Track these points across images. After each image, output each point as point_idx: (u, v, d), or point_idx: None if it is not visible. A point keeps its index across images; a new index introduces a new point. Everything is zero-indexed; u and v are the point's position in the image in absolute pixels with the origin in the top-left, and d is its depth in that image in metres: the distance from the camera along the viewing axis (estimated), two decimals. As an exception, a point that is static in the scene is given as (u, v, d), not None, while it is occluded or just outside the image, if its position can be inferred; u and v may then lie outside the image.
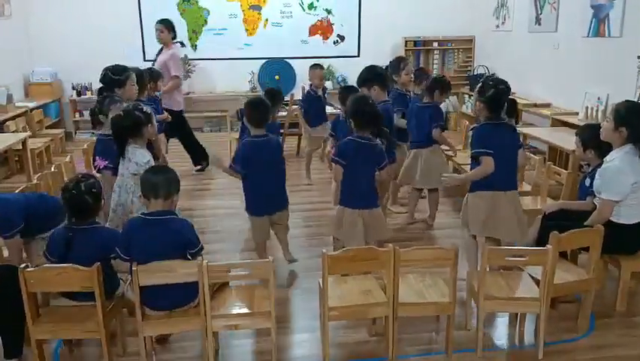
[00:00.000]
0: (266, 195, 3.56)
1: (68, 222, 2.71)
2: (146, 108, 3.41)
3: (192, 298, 2.62)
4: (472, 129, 3.54)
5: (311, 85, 5.99)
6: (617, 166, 3.05)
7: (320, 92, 5.95)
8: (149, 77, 4.86)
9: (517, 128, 4.51)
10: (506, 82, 3.34)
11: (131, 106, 3.37)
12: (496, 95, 3.23)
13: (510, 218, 3.32)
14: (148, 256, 2.51)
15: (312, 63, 6.18)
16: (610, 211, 3.07)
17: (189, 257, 2.61)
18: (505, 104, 3.32)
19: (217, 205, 5.08)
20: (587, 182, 3.36)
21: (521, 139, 3.76)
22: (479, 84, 3.36)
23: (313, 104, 5.90)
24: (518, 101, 6.67)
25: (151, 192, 2.64)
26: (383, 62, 8.28)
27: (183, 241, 2.61)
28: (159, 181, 2.65)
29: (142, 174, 2.78)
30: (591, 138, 3.36)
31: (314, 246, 4.17)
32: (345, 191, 3.31)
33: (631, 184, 3.04)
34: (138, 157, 3.23)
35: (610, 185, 3.05)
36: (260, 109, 3.52)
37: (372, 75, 3.95)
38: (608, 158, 3.15)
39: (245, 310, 2.68)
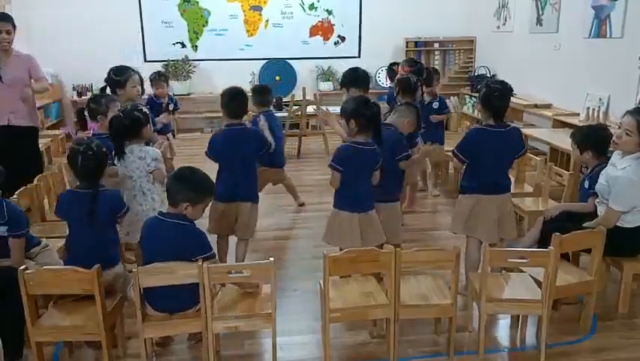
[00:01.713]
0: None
1: (85, 185, 2.80)
2: (145, 109, 3.41)
3: (196, 301, 2.61)
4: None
5: None
6: (631, 179, 2.99)
7: None
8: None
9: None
10: (503, 83, 3.21)
11: (129, 106, 3.37)
12: (486, 96, 3.15)
13: (489, 221, 3.23)
14: (154, 256, 2.52)
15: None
16: (616, 220, 3.05)
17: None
18: (501, 105, 3.15)
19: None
20: (587, 184, 3.35)
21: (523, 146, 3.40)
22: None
23: None
24: (519, 102, 6.71)
25: (167, 195, 2.68)
26: (384, 62, 8.36)
27: (189, 249, 2.56)
28: (171, 186, 2.64)
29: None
30: (587, 140, 3.34)
31: (315, 247, 4.16)
32: (342, 196, 3.22)
33: None
34: (152, 153, 3.25)
35: (621, 197, 3.01)
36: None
37: (354, 78, 4.10)
38: (618, 164, 3.09)
39: (245, 312, 2.67)
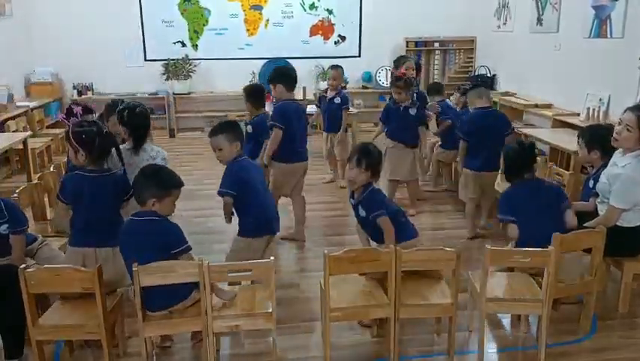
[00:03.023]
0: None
1: (95, 167, 2.82)
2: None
3: (184, 297, 2.61)
4: None
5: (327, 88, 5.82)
6: (632, 176, 3.01)
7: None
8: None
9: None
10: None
11: (131, 104, 3.37)
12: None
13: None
14: (130, 254, 2.52)
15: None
16: (617, 218, 3.05)
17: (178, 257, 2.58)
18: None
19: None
20: (591, 183, 3.34)
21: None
22: None
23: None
24: (519, 101, 6.73)
25: (134, 194, 2.71)
26: (384, 62, 8.37)
27: (164, 244, 2.57)
28: (136, 185, 2.67)
29: None
30: (595, 139, 3.34)
31: (315, 246, 4.16)
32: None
33: None
34: (162, 153, 3.29)
35: (622, 194, 3.01)
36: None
37: (275, 74, 4.18)
38: (619, 162, 3.11)
39: (246, 311, 2.67)
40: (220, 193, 3.14)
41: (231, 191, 3.12)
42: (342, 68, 5.84)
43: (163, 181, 2.64)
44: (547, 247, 2.70)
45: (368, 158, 2.98)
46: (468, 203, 4.35)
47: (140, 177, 2.66)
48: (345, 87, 5.98)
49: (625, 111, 3.12)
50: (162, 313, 2.60)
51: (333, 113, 5.61)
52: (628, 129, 3.04)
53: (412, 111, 4.69)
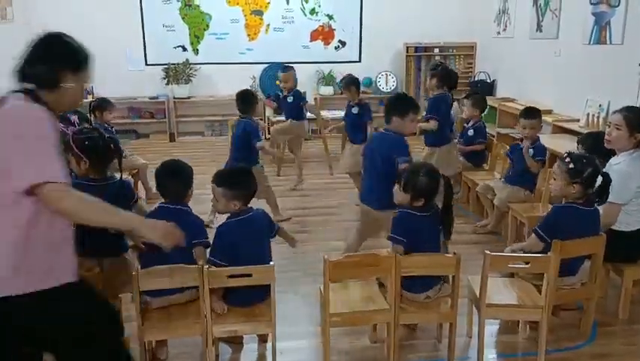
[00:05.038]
0: None
1: (99, 175, 2.81)
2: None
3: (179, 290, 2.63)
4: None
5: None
6: (625, 170, 3.07)
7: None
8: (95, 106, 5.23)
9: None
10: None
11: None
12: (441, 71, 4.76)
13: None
14: None
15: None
16: (616, 215, 3.08)
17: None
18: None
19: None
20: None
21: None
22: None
23: None
24: (519, 107, 6.72)
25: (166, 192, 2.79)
26: (384, 67, 8.38)
27: (189, 234, 2.56)
28: (168, 180, 2.77)
29: None
30: (595, 146, 3.36)
31: (316, 250, 4.16)
32: None
33: (636, 187, 3.08)
34: None
35: (618, 188, 3.03)
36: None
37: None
38: (613, 161, 3.18)
39: (245, 316, 2.67)
40: (210, 263, 2.65)
41: (219, 261, 2.64)
42: (292, 68, 6.15)
43: (190, 173, 2.79)
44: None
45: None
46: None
47: (173, 175, 2.73)
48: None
49: (613, 113, 3.28)
50: (161, 313, 2.60)
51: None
52: (617, 128, 3.17)
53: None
